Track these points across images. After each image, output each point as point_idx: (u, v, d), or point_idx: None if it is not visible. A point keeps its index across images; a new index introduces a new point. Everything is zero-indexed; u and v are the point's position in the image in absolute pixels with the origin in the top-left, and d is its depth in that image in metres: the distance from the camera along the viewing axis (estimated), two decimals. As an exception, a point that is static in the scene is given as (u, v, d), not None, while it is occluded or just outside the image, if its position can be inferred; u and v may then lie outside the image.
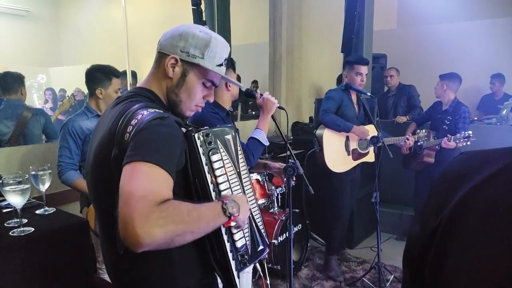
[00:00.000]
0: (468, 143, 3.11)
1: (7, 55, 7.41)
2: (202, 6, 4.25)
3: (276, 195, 3.21)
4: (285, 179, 3.20)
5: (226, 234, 1.15)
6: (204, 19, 4.28)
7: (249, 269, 2.42)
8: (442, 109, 3.54)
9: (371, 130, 3.16)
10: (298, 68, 4.51)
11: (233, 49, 4.42)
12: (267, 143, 2.10)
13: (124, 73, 4.28)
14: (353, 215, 3.62)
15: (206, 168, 1.12)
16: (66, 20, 8.33)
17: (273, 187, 3.19)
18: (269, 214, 3.16)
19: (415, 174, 3.79)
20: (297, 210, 3.23)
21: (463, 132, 3.13)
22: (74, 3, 8.20)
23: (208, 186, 1.11)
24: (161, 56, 1.17)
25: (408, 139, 3.11)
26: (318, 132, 3.14)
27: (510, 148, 0.55)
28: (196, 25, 1.19)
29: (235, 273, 1.16)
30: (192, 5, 4.22)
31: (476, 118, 4.31)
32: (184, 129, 1.11)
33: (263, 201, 3.18)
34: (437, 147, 3.43)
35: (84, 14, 7.75)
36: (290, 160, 2.02)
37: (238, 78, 4.57)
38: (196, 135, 1.11)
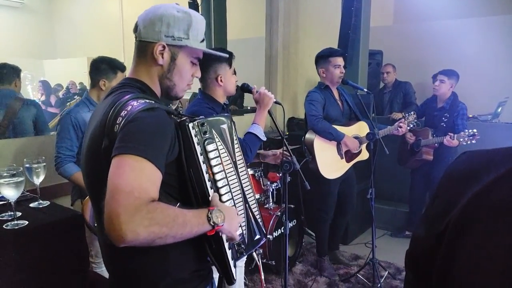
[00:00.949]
0: (473, 141, 3.07)
1: (0, 47, 7.33)
2: (198, 0, 4.22)
3: (271, 190, 3.20)
4: (280, 174, 3.22)
5: None
6: (200, 13, 4.25)
7: (241, 263, 2.42)
8: (438, 106, 3.54)
9: (360, 127, 3.12)
10: (294, 64, 4.50)
11: (229, 43, 4.40)
12: (264, 138, 2.09)
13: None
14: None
15: (201, 158, 1.11)
16: (61, 12, 8.24)
17: (268, 183, 3.19)
18: (264, 209, 3.16)
19: (411, 171, 3.81)
20: (292, 206, 3.23)
21: (467, 131, 3.10)
22: (69, -5, 8.12)
23: (203, 176, 1.11)
24: (145, 44, 1.16)
25: (401, 126, 2.98)
26: (307, 138, 2.98)
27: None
28: (169, 4, 1.18)
29: (231, 262, 1.16)
30: (188, -1, 4.19)
31: (471, 116, 4.34)
32: (177, 119, 1.11)
33: (258, 197, 3.17)
34: (436, 144, 3.43)
35: (79, 6, 7.67)
36: (286, 155, 2.02)
37: (234, 73, 4.54)
38: (190, 125, 1.10)
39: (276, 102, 2.09)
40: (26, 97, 3.36)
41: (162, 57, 1.15)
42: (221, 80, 2.09)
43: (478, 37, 5.04)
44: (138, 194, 0.89)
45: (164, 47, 1.14)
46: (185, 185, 1.10)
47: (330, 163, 2.99)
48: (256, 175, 3.15)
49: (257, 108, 2.09)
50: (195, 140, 1.11)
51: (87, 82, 6.50)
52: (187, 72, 1.21)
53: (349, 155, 3.07)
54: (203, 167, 1.11)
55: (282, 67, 4.36)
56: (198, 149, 1.11)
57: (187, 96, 3.89)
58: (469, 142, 3.08)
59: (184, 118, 1.11)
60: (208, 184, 1.12)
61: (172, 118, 1.09)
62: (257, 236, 1.32)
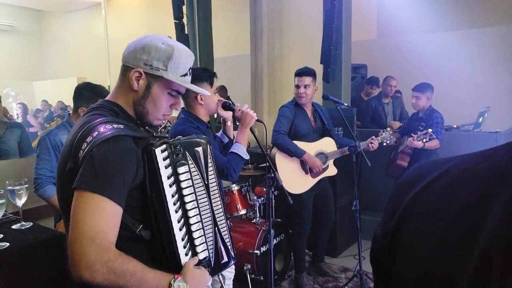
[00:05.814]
0: (426, 140, 3.18)
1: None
2: (184, 20, 4.30)
3: (258, 205, 3.22)
4: (265, 189, 3.23)
5: (185, 248, 1.15)
6: (186, 32, 4.33)
7: (228, 281, 2.38)
8: (419, 116, 3.65)
9: (326, 143, 3.14)
10: (280, 80, 4.57)
11: (215, 61, 4.48)
12: (247, 157, 2.09)
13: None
14: (335, 224, 3.62)
15: (169, 181, 1.12)
16: (50, 34, 8.32)
17: (255, 197, 3.21)
18: (251, 224, 3.17)
19: (394, 181, 3.86)
20: (279, 220, 3.24)
21: (424, 130, 3.22)
22: (57, 17, 8.22)
23: (166, 201, 1.11)
24: (126, 69, 1.20)
25: (372, 142, 3.04)
26: (272, 153, 3.03)
27: (456, 156, 0.60)
28: (159, 36, 1.21)
29: None
30: (174, 19, 4.27)
31: (455, 126, 4.42)
32: (147, 143, 1.12)
33: (245, 212, 3.18)
34: (409, 150, 3.52)
35: (67, 28, 7.77)
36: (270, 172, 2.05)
37: (225, 90, 4.58)
38: (161, 148, 1.12)
39: (258, 120, 2.10)
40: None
41: (138, 84, 1.17)
42: (201, 99, 2.09)
43: (458, 49, 5.17)
44: (99, 241, 0.95)
45: (140, 74, 1.17)
46: (147, 207, 1.12)
47: (293, 177, 3.00)
48: (242, 190, 3.17)
49: (239, 126, 2.09)
50: (165, 163, 1.12)
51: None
52: (162, 102, 1.21)
53: (314, 171, 3.07)
54: (168, 190, 1.12)
55: (267, 84, 4.44)
56: (167, 172, 1.12)
57: (175, 114, 3.94)
58: (424, 140, 3.19)
59: (152, 142, 1.12)
60: (174, 207, 1.13)
61: (140, 143, 1.10)
62: (225, 260, 1.32)
